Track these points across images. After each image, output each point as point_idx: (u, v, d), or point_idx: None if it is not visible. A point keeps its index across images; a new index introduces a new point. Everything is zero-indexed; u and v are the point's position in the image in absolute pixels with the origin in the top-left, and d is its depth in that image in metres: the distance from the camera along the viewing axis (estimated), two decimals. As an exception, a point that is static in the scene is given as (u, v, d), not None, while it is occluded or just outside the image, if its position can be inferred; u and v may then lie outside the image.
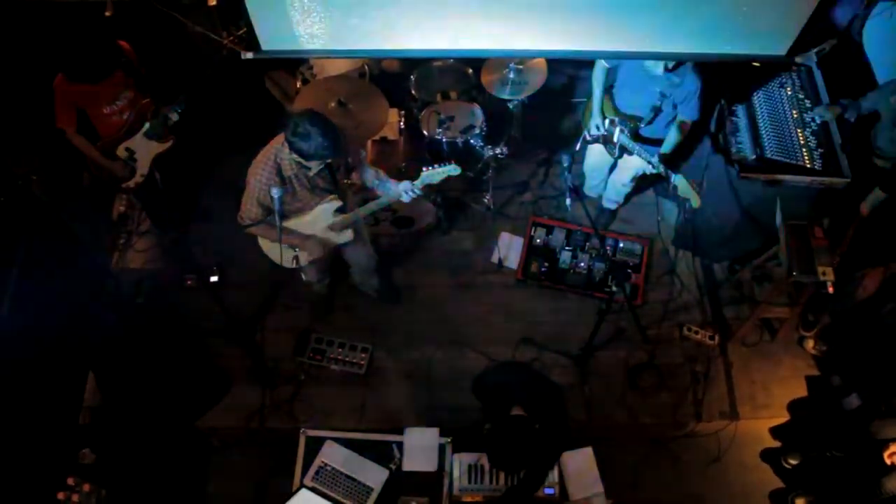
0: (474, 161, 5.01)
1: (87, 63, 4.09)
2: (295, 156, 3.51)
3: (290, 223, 3.92)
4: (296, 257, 3.98)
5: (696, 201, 4.15)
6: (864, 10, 4.58)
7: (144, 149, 4.53)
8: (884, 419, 3.93)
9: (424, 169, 3.81)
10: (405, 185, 3.87)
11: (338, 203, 3.92)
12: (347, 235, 4.14)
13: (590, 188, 5.34)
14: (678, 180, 4.14)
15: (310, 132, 3.36)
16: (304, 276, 4.46)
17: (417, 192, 3.86)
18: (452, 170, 3.82)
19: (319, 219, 3.97)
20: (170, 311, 5.00)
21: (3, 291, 4.22)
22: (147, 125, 4.44)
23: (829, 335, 4.82)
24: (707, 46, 3.52)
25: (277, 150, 3.59)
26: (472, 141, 4.87)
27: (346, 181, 3.98)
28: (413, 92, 5.18)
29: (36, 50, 4.57)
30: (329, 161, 3.61)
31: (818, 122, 4.48)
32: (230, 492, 4.41)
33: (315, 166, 3.58)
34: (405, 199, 3.88)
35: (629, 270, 5.10)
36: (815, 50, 3.65)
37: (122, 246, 5.32)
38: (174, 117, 4.39)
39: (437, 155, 4.96)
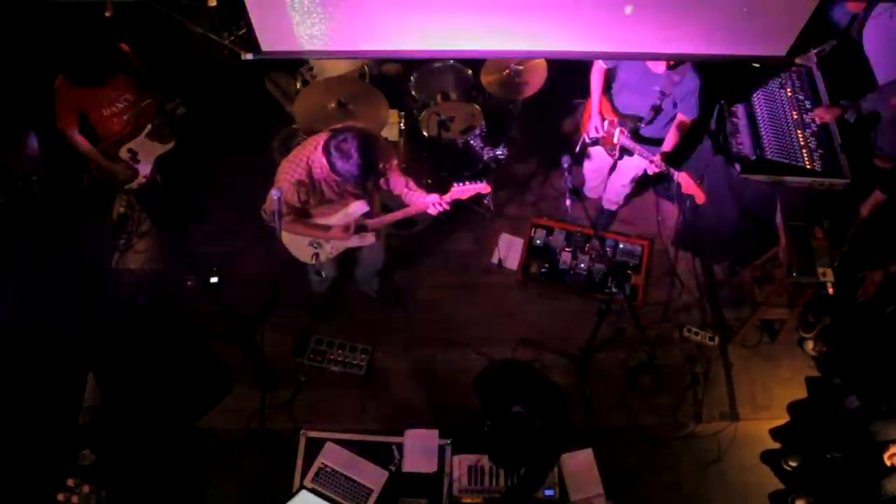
0: (474, 162, 5.01)
1: (89, 67, 4.09)
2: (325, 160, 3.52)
3: (317, 223, 3.94)
4: (316, 254, 4.00)
5: (699, 197, 4.15)
6: (864, 10, 4.57)
7: (147, 150, 4.53)
8: (884, 420, 3.93)
9: (455, 184, 3.83)
10: (433, 198, 3.87)
11: (365, 208, 3.92)
12: (370, 239, 4.14)
13: (590, 189, 5.34)
14: (681, 178, 4.15)
15: (351, 155, 3.37)
16: (322, 274, 4.45)
17: (445, 206, 3.87)
18: (482, 188, 3.85)
19: (345, 221, 3.97)
20: (170, 312, 5.00)
21: (2, 292, 4.22)
22: (150, 126, 4.44)
23: (829, 336, 4.82)
24: (707, 47, 3.52)
25: (311, 152, 3.60)
26: (471, 142, 4.87)
27: (375, 187, 3.98)
28: (413, 93, 5.18)
29: (36, 50, 4.57)
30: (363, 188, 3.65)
31: (818, 122, 4.48)
32: (230, 492, 4.41)
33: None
34: (432, 211, 3.89)
35: (629, 271, 5.11)
36: (814, 50, 3.65)
37: (122, 246, 5.32)
38: (181, 111, 4.39)
39: (436, 156, 4.97)
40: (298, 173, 3.62)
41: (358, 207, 3.91)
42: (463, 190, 3.83)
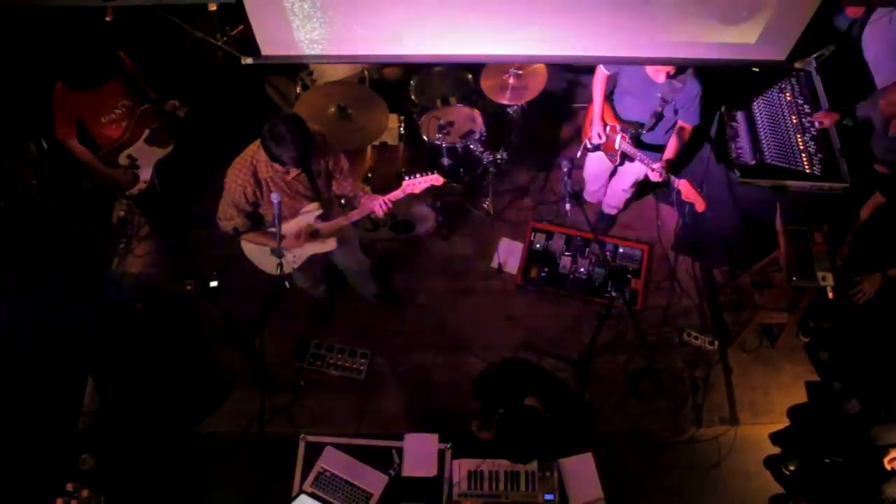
0: (474, 166, 5.01)
1: (85, 68, 4.09)
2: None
3: (271, 229, 3.86)
4: (280, 264, 3.88)
5: (699, 205, 4.15)
6: (863, 15, 4.58)
7: (146, 155, 4.53)
8: (884, 424, 3.92)
9: (406, 178, 3.81)
10: (380, 198, 3.84)
11: (318, 211, 3.88)
12: (330, 244, 4.08)
13: (590, 193, 5.34)
14: (681, 185, 4.15)
15: (284, 136, 3.33)
16: (296, 283, 4.45)
17: (389, 205, 3.84)
18: (435, 179, 3.82)
19: (296, 228, 3.92)
20: (169, 316, 5.00)
21: (2, 296, 4.23)
22: (148, 131, 4.45)
23: (829, 340, 4.82)
24: (706, 52, 3.52)
25: (255, 152, 3.58)
26: (471, 146, 4.88)
27: (327, 190, 3.94)
28: (413, 97, 5.19)
29: (36, 56, 4.57)
30: (307, 167, 3.60)
31: (817, 127, 4.49)
32: (229, 497, 4.40)
33: (290, 170, 3.56)
34: (378, 211, 3.85)
35: (629, 276, 5.10)
36: (814, 55, 3.65)
37: (122, 251, 5.32)
38: (182, 111, 4.39)
39: (434, 161, 4.98)
40: (243, 176, 3.59)
41: (311, 212, 3.87)
42: (414, 183, 3.81)
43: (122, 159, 4.46)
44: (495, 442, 4.19)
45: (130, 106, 4.36)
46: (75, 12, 3.43)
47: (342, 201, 4.19)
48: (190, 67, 4.85)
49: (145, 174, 4.59)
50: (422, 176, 3.80)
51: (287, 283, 3.99)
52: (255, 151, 3.59)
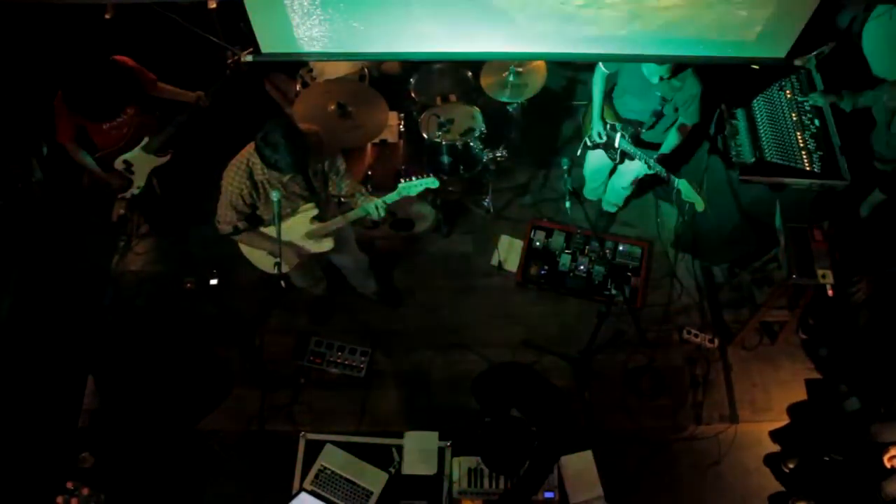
0: (474, 164, 5.01)
1: (95, 107, 4.11)
2: None
3: (268, 230, 3.86)
4: (277, 264, 3.82)
5: (699, 205, 4.14)
6: (864, 11, 4.58)
7: (142, 162, 4.52)
8: (883, 422, 3.93)
9: (402, 180, 3.79)
10: (376, 200, 3.82)
11: (314, 211, 3.87)
12: (327, 244, 4.06)
13: (590, 191, 5.34)
14: (681, 184, 4.14)
15: (279, 144, 3.32)
16: (294, 282, 4.45)
17: (384, 210, 3.83)
18: (430, 182, 3.81)
19: (296, 227, 3.91)
20: (169, 314, 5.00)
21: (3, 294, 4.23)
22: (146, 140, 4.43)
23: (828, 337, 4.82)
24: (706, 50, 3.52)
25: (250, 154, 3.56)
26: (471, 144, 4.87)
27: (323, 190, 3.91)
28: (413, 95, 5.18)
29: (36, 54, 4.56)
30: (304, 172, 3.60)
31: (812, 103, 4.46)
32: (229, 495, 4.40)
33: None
34: (373, 214, 3.83)
35: (629, 273, 5.11)
36: (814, 53, 3.65)
37: (122, 249, 5.32)
38: (205, 103, 4.44)
39: (434, 158, 4.98)
40: (239, 178, 3.58)
41: (306, 213, 3.85)
42: (410, 185, 3.78)
43: (118, 164, 4.45)
44: (480, 453, 4.20)
45: (134, 114, 4.36)
46: (76, 11, 3.43)
47: (340, 200, 4.19)
48: (191, 69, 4.84)
49: (139, 180, 4.58)
50: (418, 178, 3.80)
51: (283, 283, 3.99)
52: (250, 153, 3.57)
